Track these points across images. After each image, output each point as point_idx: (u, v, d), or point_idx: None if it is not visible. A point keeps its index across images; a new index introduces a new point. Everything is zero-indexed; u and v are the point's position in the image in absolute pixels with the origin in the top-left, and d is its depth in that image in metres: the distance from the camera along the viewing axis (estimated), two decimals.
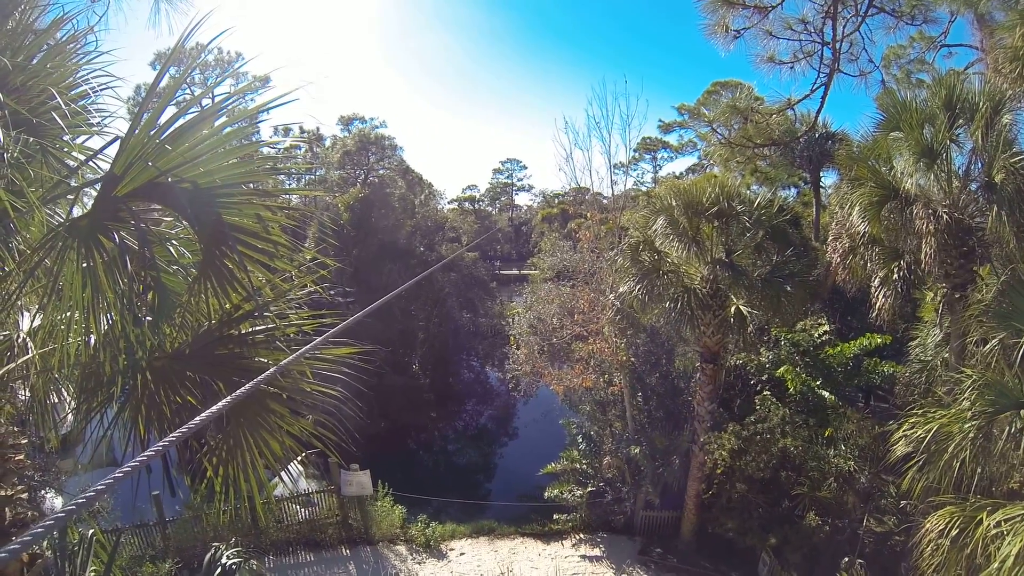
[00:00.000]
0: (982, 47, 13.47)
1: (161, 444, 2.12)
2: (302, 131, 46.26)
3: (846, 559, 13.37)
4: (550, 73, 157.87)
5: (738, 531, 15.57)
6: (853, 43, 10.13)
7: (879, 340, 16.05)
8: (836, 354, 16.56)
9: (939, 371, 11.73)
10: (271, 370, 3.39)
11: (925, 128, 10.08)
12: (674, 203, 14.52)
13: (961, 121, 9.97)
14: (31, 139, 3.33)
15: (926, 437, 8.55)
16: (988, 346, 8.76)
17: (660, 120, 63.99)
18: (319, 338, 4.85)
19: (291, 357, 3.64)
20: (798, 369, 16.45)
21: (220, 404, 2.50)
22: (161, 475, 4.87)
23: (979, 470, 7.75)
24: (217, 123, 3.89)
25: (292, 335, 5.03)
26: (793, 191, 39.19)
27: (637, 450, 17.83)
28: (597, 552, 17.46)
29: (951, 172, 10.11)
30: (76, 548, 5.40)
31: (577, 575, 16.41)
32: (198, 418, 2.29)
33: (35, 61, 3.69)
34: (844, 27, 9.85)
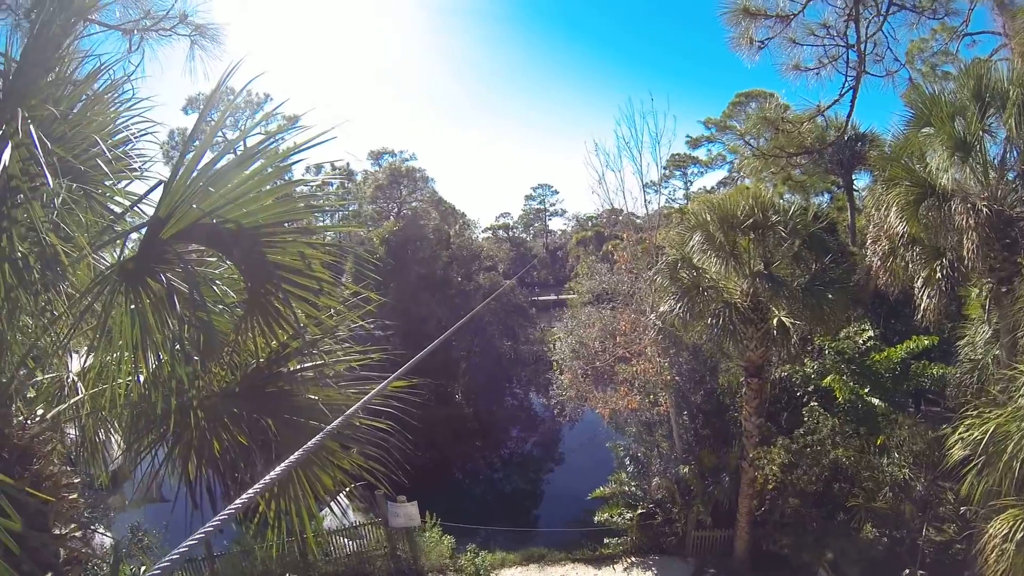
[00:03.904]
0: (1005, 32, 13.22)
1: (241, 499, 2.15)
2: (333, 167, 47.12)
3: (907, 571, 13.03)
4: (575, 97, 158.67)
5: (793, 547, 15.27)
6: (877, 43, 10.04)
7: (926, 342, 15.71)
8: (883, 359, 16.24)
9: (991, 369, 11.43)
10: (337, 420, 3.48)
11: (956, 121, 9.86)
12: (709, 218, 14.46)
13: (992, 110, 9.76)
14: (74, 185, 3.47)
15: (983, 439, 8.35)
16: None
17: (688, 135, 63.94)
18: (366, 374, 4.95)
19: (360, 403, 3.73)
20: (845, 377, 16.15)
21: (293, 457, 2.56)
22: (209, 512, 4.94)
23: None
24: (255, 165, 4.01)
25: (340, 371, 5.12)
26: (826, 197, 38.74)
27: (686, 469, 17.65)
28: (650, 575, 17.20)
29: (987, 163, 9.88)
30: None
31: None
32: (273, 472, 2.36)
33: (75, 110, 3.84)
34: (867, 28, 9.78)
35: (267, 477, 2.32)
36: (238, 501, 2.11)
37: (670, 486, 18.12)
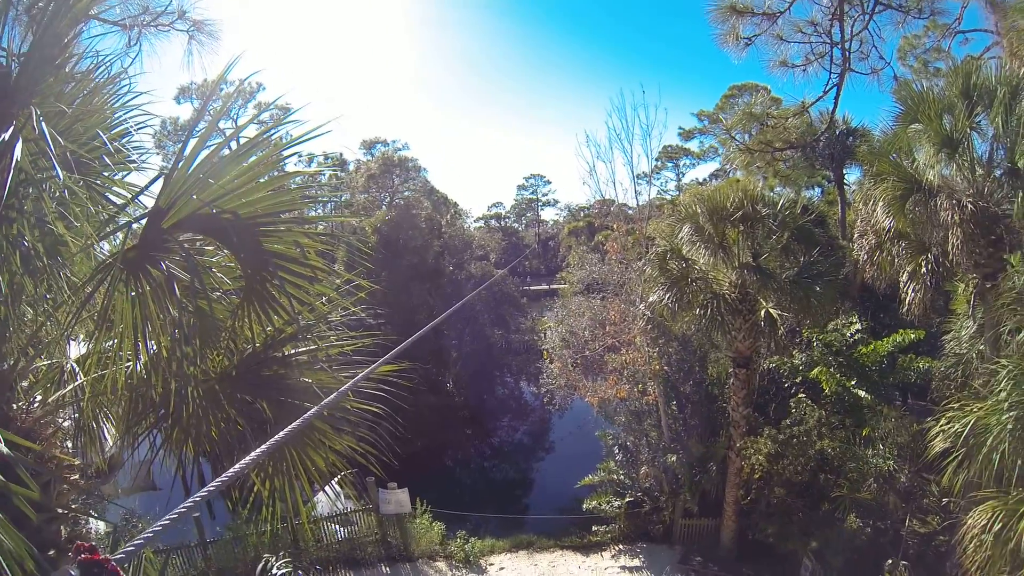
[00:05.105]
0: (997, 30, 13.25)
1: (227, 475, 2.25)
2: (326, 157, 47.05)
3: (889, 561, 13.20)
4: (568, 87, 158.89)
5: (778, 536, 15.45)
6: (863, 41, 10.07)
7: (912, 336, 15.88)
8: (870, 352, 16.39)
9: (975, 363, 11.56)
10: (331, 397, 3.58)
11: (944, 118, 9.93)
12: (699, 210, 14.58)
13: (980, 108, 9.82)
14: (74, 176, 3.56)
15: (963, 431, 8.49)
16: (1022, 335, 8.68)
17: (680, 127, 63.83)
18: (358, 359, 5.06)
19: (349, 384, 3.83)
20: (832, 370, 16.30)
21: (280, 435, 2.67)
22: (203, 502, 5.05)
23: (1020, 462, 7.66)
24: (252, 157, 4.12)
25: (333, 355, 5.24)
26: (818, 191, 38.90)
27: (674, 458, 17.80)
28: (637, 563, 17.41)
29: (973, 160, 9.95)
30: (126, 566, 5.54)
31: None
32: (263, 447, 2.46)
33: (75, 104, 3.93)
34: (852, 26, 9.83)
35: (257, 451, 2.42)
36: (228, 472, 2.22)
37: (658, 475, 18.30)
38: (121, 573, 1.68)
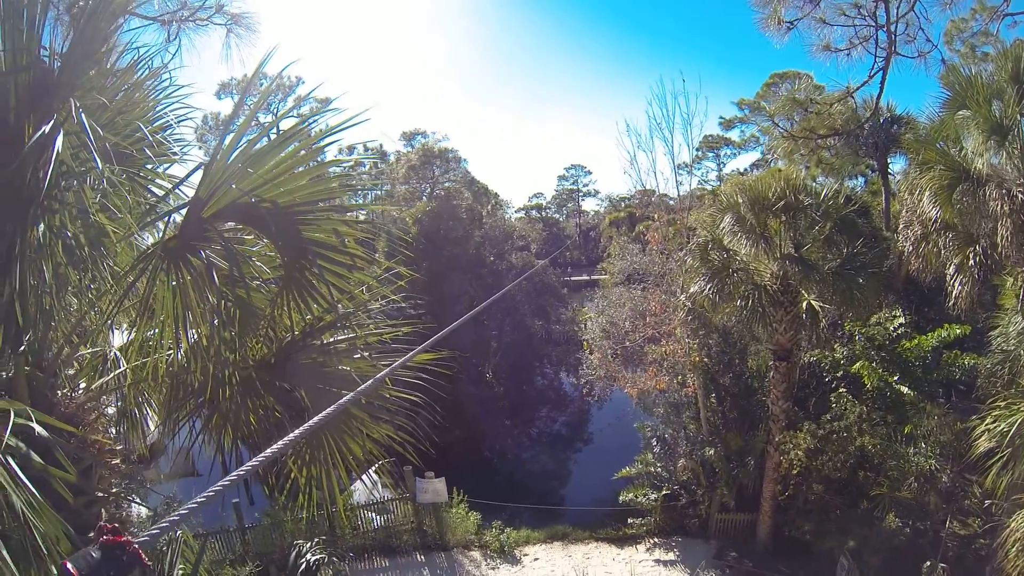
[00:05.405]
0: None
1: (259, 458, 2.30)
2: (366, 148, 47.55)
3: (928, 563, 12.94)
4: (607, 76, 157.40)
5: (815, 533, 15.26)
6: (909, 23, 9.73)
7: (958, 331, 15.47)
8: (913, 347, 16.02)
9: (1023, 361, 11.27)
10: (368, 383, 3.62)
11: (993, 104, 9.57)
12: (740, 200, 14.41)
13: None
14: (117, 168, 3.65)
15: (1010, 431, 8.29)
16: None
17: (721, 117, 63.24)
18: (397, 347, 5.11)
19: (386, 371, 3.87)
20: (874, 364, 15.96)
21: (316, 419, 2.71)
22: (239, 485, 5.17)
23: None
24: (291, 147, 4.18)
25: (372, 343, 5.29)
26: (861, 180, 38.10)
27: (712, 452, 17.65)
28: (671, 556, 17.35)
29: None
30: (164, 548, 5.69)
31: None
32: (297, 431, 2.51)
33: (117, 98, 4.03)
34: (898, 8, 9.52)
35: (292, 434, 2.46)
36: (260, 456, 2.27)
37: (695, 468, 18.18)
38: (142, 555, 1.73)
